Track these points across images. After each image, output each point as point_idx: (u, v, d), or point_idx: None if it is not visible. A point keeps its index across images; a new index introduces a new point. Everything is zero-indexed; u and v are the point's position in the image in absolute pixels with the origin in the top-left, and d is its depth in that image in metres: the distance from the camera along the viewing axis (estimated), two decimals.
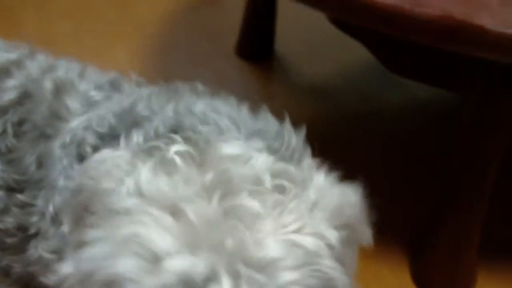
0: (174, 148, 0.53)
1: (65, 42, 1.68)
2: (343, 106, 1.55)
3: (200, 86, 0.68)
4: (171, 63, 1.68)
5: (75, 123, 0.65)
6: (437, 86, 1.32)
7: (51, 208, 0.62)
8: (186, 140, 0.55)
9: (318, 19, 1.45)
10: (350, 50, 1.62)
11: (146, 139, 0.57)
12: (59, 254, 0.60)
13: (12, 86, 0.69)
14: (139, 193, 0.50)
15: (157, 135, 0.57)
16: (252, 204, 0.48)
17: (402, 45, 1.13)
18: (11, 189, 0.65)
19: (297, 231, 0.49)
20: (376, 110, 1.54)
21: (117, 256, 0.47)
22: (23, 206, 0.65)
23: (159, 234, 0.47)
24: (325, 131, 1.41)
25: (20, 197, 0.65)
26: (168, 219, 0.47)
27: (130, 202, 0.49)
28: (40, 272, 0.63)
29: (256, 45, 1.72)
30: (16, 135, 0.67)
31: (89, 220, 0.51)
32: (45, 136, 0.66)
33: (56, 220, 0.61)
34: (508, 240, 1.26)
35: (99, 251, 0.48)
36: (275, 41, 1.74)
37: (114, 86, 0.70)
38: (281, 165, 0.53)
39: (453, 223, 1.09)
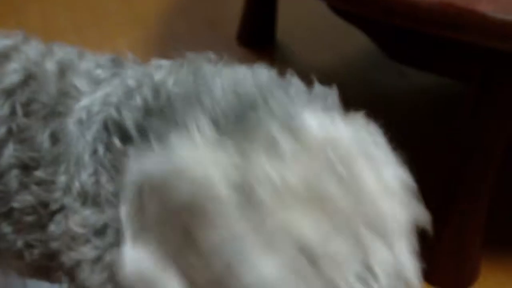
0: (275, 133, 0.53)
1: (67, 35, 1.69)
2: (344, 92, 1.55)
3: (212, 55, 0.69)
4: (172, 53, 1.68)
5: (87, 100, 0.65)
6: (438, 73, 1.31)
7: (77, 183, 0.62)
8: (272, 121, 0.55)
9: (319, 6, 1.44)
10: (352, 37, 1.62)
11: (222, 129, 0.56)
12: (92, 227, 0.61)
13: (14, 69, 0.70)
14: (274, 185, 0.50)
15: (230, 123, 0.56)
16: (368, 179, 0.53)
17: (403, 32, 1.12)
18: (26, 167, 0.66)
19: (396, 185, 0.57)
20: (378, 98, 1.54)
21: (271, 249, 0.48)
22: (42, 182, 0.65)
23: (308, 222, 0.49)
24: None
25: (37, 173, 0.65)
26: (310, 207, 0.50)
27: (267, 194, 0.49)
28: (65, 246, 0.64)
29: (258, 33, 1.72)
30: (26, 114, 0.67)
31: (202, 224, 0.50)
32: (56, 114, 0.66)
33: (82, 194, 0.62)
34: None
35: (250, 244, 0.48)
36: (276, 28, 1.74)
37: (116, 64, 0.71)
38: (361, 135, 0.58)
39: (456, 217, 1.09)
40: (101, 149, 0.62)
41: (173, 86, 0.64)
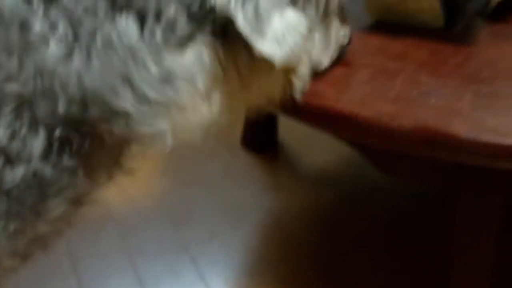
0: None
1: None
2: (346, 191, 1.59)
3: None
4: (179, 159, 1.74)
5: None
6: (419, 183, 1.34)
7: None
8: None
9: None
10: None
11: None
12: None
13: None
14: None
15: None
16: None
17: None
18: None
19: None
20: (380, 193, 1.58)
21: None
22: None
23: None
24: (328, 217, 1.44)
25: None
26: None
27: None
28: None
29: (261, 137, 1.78)
30: None
31: None
32: None
33: None
34: None
35: None
36: (278, 132, 1.80)
37: None
38: None
39: None
40: None
41: None
